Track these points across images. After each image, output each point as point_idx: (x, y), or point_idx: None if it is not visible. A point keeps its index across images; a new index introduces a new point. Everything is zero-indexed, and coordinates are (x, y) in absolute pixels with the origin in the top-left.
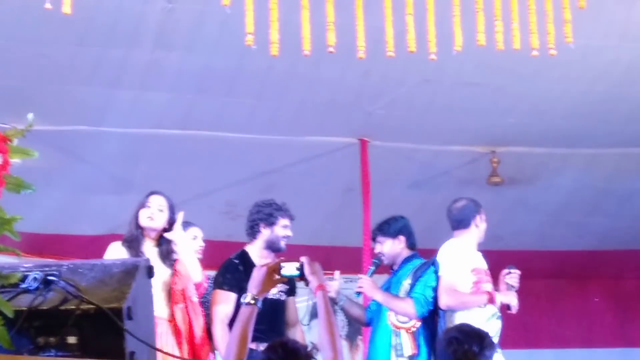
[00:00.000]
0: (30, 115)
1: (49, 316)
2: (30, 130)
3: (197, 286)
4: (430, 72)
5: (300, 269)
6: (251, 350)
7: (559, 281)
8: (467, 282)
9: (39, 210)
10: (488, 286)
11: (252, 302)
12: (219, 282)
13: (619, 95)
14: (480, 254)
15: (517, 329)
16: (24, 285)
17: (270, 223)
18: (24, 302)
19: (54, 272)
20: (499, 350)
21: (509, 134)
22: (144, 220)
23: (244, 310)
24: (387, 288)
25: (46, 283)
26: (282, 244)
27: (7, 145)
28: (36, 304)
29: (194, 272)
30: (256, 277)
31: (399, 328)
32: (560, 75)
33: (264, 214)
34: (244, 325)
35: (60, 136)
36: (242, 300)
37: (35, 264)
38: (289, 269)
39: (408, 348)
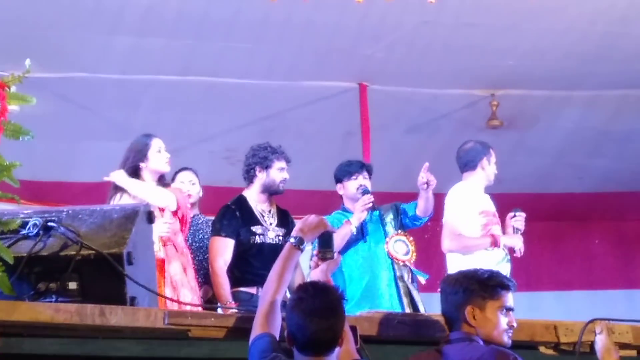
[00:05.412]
0: (28, 62)
1: (49, 262)
2: (28, 76)
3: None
4: (428, 14)
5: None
6: (251, 295)
7: (560, 223)
8: (475, 224)
9: (37, 157)
10: (496, 229)
11: (299, 245)
12: (217, 229)
13: (619, 36)
14: (488, 197)
15: (518, 272)
16: (24, 232)
17: (266, 166)
18: (24, 248)
19: (54, 218)
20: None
21: (508, 76)
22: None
23: (289, 249)
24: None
25: (46, 229)
26: (280, 187)
27: (5, 92)
28: (36, 250)
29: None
30: (311, 222)
31: (403, 261)
32: (560, 16)
33: (259, 157)
34: (284, 263)
35: (59, 83)
36: (291, 239)
37: (35, 210)
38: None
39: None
